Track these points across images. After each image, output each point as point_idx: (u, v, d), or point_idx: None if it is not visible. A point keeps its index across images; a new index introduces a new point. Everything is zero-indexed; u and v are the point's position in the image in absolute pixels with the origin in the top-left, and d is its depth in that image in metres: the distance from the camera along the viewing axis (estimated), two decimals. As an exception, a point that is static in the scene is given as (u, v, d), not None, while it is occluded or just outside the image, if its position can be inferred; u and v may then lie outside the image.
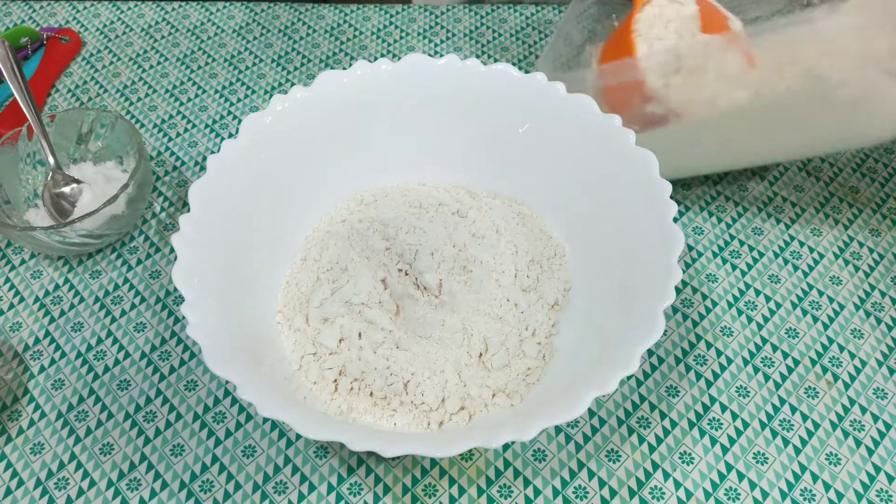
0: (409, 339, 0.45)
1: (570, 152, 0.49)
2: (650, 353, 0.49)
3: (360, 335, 0.45)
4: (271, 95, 0.64)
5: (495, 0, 0.72)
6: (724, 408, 0.46)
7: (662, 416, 0.46)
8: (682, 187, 0.57)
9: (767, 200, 0.57)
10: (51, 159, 0.54)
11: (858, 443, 0.45)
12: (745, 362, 0.48)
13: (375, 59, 0.53)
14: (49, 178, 0.54)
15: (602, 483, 0.44)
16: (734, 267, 0.53)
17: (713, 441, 0.45)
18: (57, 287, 0.53)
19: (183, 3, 0.73)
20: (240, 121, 0.63)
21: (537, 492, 0.43)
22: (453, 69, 0.50)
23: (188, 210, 0.44)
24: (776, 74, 0.48)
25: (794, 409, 0.46)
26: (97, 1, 0.73)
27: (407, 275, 0.47)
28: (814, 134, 0.49)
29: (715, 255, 0.54)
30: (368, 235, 0.49)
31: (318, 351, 0.45)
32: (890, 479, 0.44)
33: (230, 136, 0.62)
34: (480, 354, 0.45)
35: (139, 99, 0.65)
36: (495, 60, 0.67)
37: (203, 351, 0.38)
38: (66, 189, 0.54)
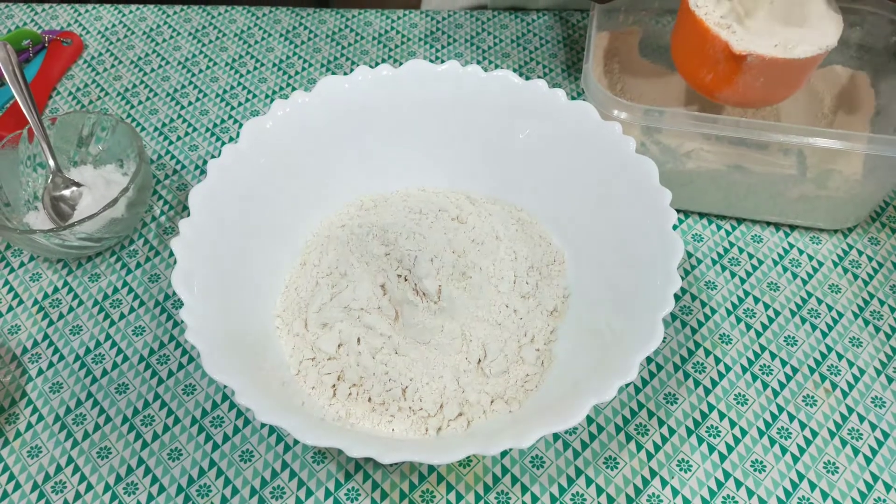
0: (407, 344, 0.45)
1: (569, 159, 0.49)
2: (649, 360, 0.49)
3: (358, 340, 0.45)
4: (272, 100, 0.65)
5: (497, 6, 0.72)
6: (722, 415, 0.46)
7: (661, 423, 0.46)
8: (682, 194, 0.57)
9: (767, 208, 0.57)
10: (51, 162, 0.54)
11: (856, 451, 0.45)
12: (744, 370, 0.48)
13: (376, 64, 0.53)
14: (49, 180, 0.54)
15: (600, 490, 0.44)
16: (733, 274, 0.53)
17: (711, 448, 0.45)
18: (56, 290, 0.53)
19: (185, 7, 0.73)
20: (241, 125, 0.63)
21: (535, 498, 0.43)
22: (454, 75, 0.50)
23: (188, 214, 0.44)
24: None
25: (792, 417, 0.46)
26: (99, 4, 0.74)
27: (406, 280, 0.47)
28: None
29: (714, 262, 0.54)
30: (368, 241, 0.49)
31: (316, 356, 0.45)
32: (888, 487, 0.44)
33: (231, 140, 0.62)
34: (479, 360, 0.45)
35: (140, 102, 0.65)
36: (496, 66, 0.67)
37: (201, 356, 0.38)
38: (66, 192, 0.54)
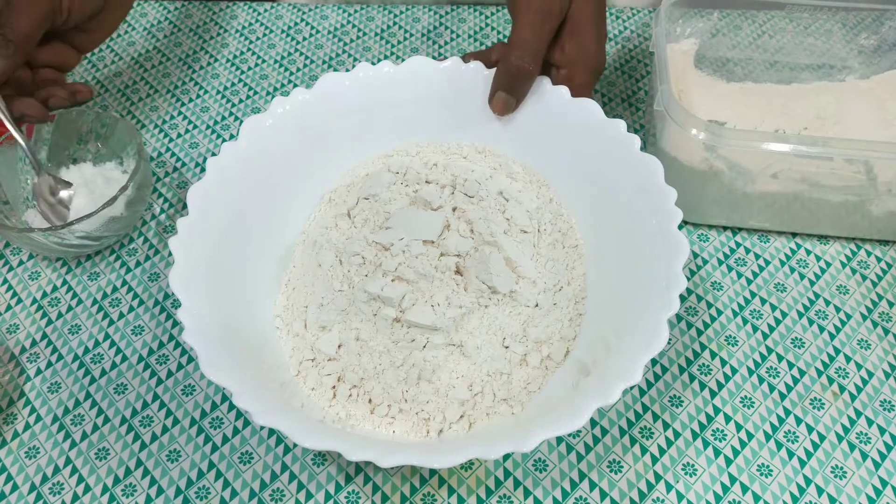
0: (409, 345, 0.44)
1: (573, 157, 0.48)
2: (653, 361, 0.48)
3: (358, 341, 0.44)
4: (273, 96, 0.64)
5: (501, 1, 0.71)
6: (728, 418, 0.46)
7: (665, 426, 0.45)
8: (688, 193, 0.57)
9: (774, 207, 0.56)
10: (35, 163, 0.51)
11: (865, 456, 0.44)
12: (750, 372, 0.48)
13: (378, 60, 0.52)
14: (35, 180, 0.52)
15: (604, 494, 0.43)
16: (740, 275, 0.52)
17: (717, 452, 0.44)
18: (55, 289, 0.52)
19: (186, 3, 0.72)
20: (241, 122, 0.62)
21: (538, 502, 0.43)
22: (456, 71, 0.50)
23: (188, 212, 0.43)
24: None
25: (799, 421, 0.46)
26: None
27: (408, 282, 0.46)
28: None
29: (720, 262, 0.53)
30: (368, 238, 0.48)
31: (316, 357, 0.45)
32: (897, 493, 0.43)
33: (231, 137, 0.62)
34: (482, 362, 0.44)
35: (140, 99, 0.64)
36: (500, 63, 0.66)
37: (198, 357, 0.37)
38: (64, 194, 0.53)
